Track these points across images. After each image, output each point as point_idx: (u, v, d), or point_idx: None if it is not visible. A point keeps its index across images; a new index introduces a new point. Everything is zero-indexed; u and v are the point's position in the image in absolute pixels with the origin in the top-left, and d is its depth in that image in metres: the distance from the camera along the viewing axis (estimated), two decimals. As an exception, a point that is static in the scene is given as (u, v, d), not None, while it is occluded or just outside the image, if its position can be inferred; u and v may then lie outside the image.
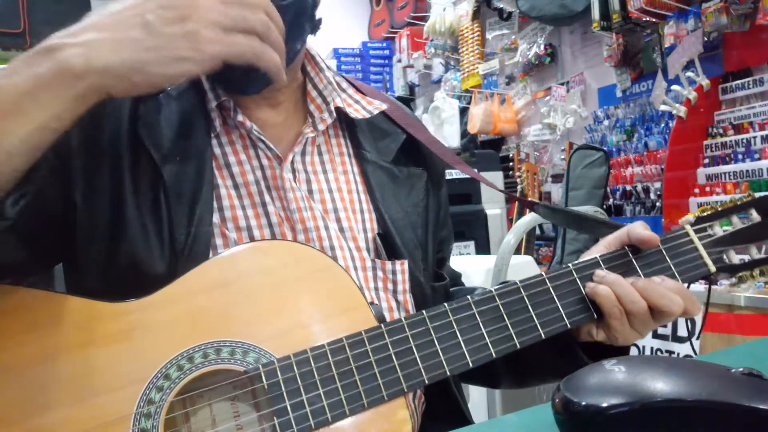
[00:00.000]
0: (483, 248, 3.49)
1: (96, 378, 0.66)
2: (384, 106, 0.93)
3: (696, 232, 0.82)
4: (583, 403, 0.49)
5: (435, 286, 0.95)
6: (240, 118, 0.84)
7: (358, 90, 0.98)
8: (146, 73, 0.65)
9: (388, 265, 0.87)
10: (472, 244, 3.47)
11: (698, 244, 0.82)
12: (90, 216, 0.78)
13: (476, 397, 2.07)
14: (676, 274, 0.79)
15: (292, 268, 0.74)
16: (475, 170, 0.99)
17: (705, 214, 0.84)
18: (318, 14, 0.89)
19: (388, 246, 0.89)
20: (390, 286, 0.88)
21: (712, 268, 0.81)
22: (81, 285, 0.80)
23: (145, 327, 0.69)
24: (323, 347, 0.69)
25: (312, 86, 0.93)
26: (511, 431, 0.63)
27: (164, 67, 0.65)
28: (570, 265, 0.79)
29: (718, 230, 0.83)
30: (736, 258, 0.82)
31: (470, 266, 2.19)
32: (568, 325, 0.76)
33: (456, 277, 1.08)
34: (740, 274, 0.82)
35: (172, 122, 0.82)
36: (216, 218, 0.81)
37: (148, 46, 0.65)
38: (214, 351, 0.68)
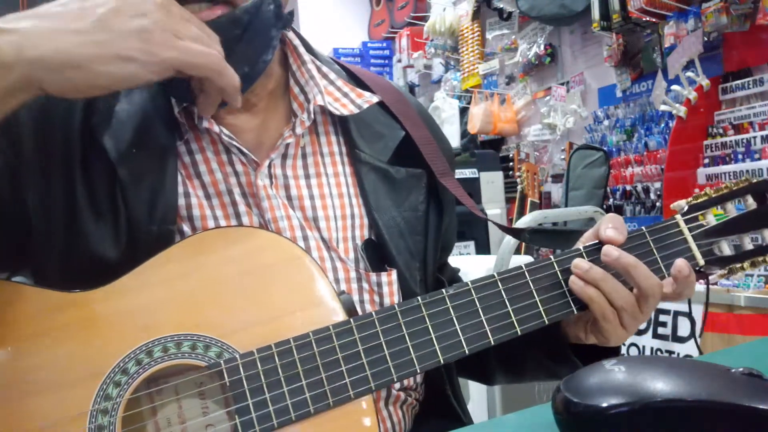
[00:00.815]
0: (483, 248, 3.49)
1: (50, 372, 0.63)
2: (375, 99, 0.85)
3: (687, 221, 0.78)
4: (584, 404, 0.49)
5: None
6: (206, 124, 0.77)
7: (351, 79, 0.90)
8: (85, 70, 0.59)
9: (373, 276, 0.81)
10: (472, 244, 3.47)
11: (688, 235, 0.77)
12: (45, 218, 0.73)
13: (476, 397, 2.07)
14: (662, 267, 0.76)
15: (258, 257, 0.70)
16: (462, 189, 0.92)
17: (699, 200, 0.79)
18: (288, 7, 0.81)
19: (379, 254, 0.83)
20: (376, 298, 0.82)
21: (701, 262, 0.77)
22: (41, 280, 0.76)
23: (102, 318, 0.65)
24: (288, 343, 0.66)
25: (294, 81, 0.85)
26: (511, 431, 0.62)
27: (106, 65, 0.59)
28: (551, 257, 0.75)
29: (711, 219, 0.78)
30: (727, 249, 0.78)
31: (470, 266, 2.19)
32: (546, 321, 0.73)
33: (453, 273, 1.03)
34: (730, 266, 0.78)
35: (132, 115, 0.76)
36: (187, 228, 0.76)
37: (93, 39, 0.59)
38: (174, 345, 0.65)
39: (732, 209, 0.80)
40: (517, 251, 2.65)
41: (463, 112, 4.40)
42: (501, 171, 3.89)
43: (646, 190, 2.98)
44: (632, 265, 0.73)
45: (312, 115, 0.81)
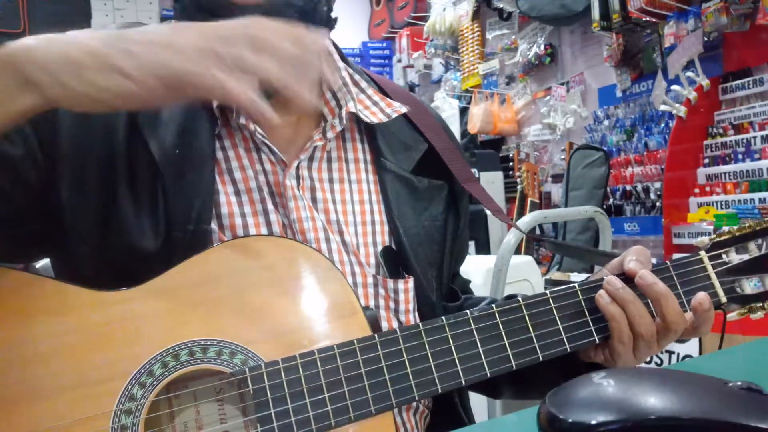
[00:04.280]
0: (483, 248, 3.48)
1: (77, 369, 0.63)
2: (404, 109, 0.87)
3: (711, 258, 0.79)
4: (570, 420, 0.47)
5: (449, 306, 0.90)
6: (242, 120, 0.78)
7: (379, 89, 0.92)
8: (78, 77, 0.58)
9: (390, 283, 0.82)
10: (472, 244, 3.46)
11: (711, 272, 0.78)
12: (78, 210, 0.74)
13: (476, 397, 2.06)
14: (684, 302, 0.76)
15: (288, 267, 0.71)
16: (486, 194, 0.94)
17: (722, 238, 0.80)
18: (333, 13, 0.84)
19: (399, 261, 0.84)
20: (392, 305, 0.83)
21: (723, 299, 0.78)
22: (72, 274, 0.76)
23: (130, 319, 0.66)
24: (313, 354, 0.66)
25: (326, 87, 0.86)
26: (510, 431, 0.62)
27: (95, 75, 0.58)
28: (576, 285, 0.75)
29: (734, 257, 0.79)
30: (748, 288, 0.79)
31: (470, 266, 2.18)
32: (568, 349, 0.73)
33: (465, 284, 1.03)
34: (751, 305, 0.79)
35: (175, 114, 0.77)
36: (214, 225, 0.76)
37: (94, 47, 0.59)
38: (200, 350, 0.66)
39: (754, 249, 0.81)
40: (517, 251, 2.64)
41: (463, 112, 4.40)
42: (501, 171, 3.89)
43: (646, 190, 2.97)
44: (664, 295, 0.73)
45: (344, 121, 0.83)
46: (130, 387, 0.64)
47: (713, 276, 0.78)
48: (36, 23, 4.35)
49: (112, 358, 0.64)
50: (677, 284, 0.77)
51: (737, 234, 0.80)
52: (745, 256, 0.80)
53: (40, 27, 4.41)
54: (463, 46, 4.51)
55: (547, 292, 0.74)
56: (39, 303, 0.66)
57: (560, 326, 0.73)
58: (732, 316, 0.80)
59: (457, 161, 0.91)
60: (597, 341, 0.74)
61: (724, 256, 0.79)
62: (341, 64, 0.88)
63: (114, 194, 0.74)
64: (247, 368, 0.65)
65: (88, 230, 0.74)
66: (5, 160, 0.70)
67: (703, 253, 0.79)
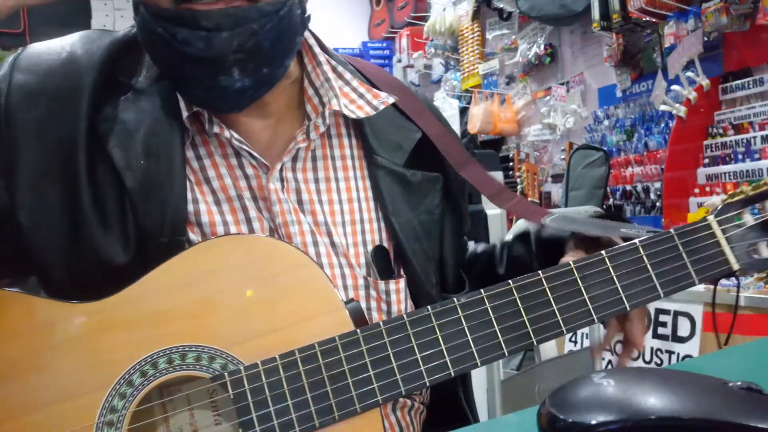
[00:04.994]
0: (483, 248, 3.48)
1: (56, 384, 0.63)
2: (391, 100, 0.82)
3: (721, 222, 0.72)
4: (570, 420, 0.46)
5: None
6: (216, 129, 0.75)
7: (366, 80, 0.87)
8: None
9: (381, 284, 0.79)
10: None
11: (721, 237, 0.72)
12: (42, 231, 0.72)
13: (476, 398, 2.05)
14: (692, 272, 0.71)
15: (264, 265, 0.68)
16: (485, 175, 0.90)
17: (734, 199, 0.72)
18: (308, 10, 0.80)
19: (396, 258, 0.82)
20: (384, 306, 0.80)
21: (735, 266, 0.71)
22: (50, 286, 0.75)
23: (107, 329, 0.65)
24: (294, 354, 0.64)
25: (309, 83, 0.83)
26: (511, 431, 0.62)
27: None
28: (571, 262, 0.70)
29: (749, 218, 0.72)
30: (765, 251, 0.72)
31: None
32: (565, 331, 0.69)
33: (469, 248, 1.01)
34: None
35: (140, 123, 0.74)
36: (195, 236, 0.74)
37: None
38: (179, 356, 0.64)
39: None
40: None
41: (463, 112, 4.40)
42: (501, 171, 3.88)
43: (646, 190, 2.97)
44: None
45: (327, 121, 0.79)
46: (110, 398, 0.63)
47: (723, 242, 0.72)
48: (36, 23, 4.36)
49: (91, 370, 0.63)
50: (683, 254, 0.71)
51: (751, 193, 0.73)
52: (763, 217, 0.72)
53: (40, 27, 4.42)
54: (463, 46, 4.51)
55: (540, 272, 0.70)
56: (14, 319, 0.65)
57: (555, 308, 0.69)
58: (749, 281, 0.76)
59: (450, 147, 0.88)
60: (596, 321, 0.70)
61: (736, 218, 0.72)
62: (322, 57, 0.84)
63: (79, 211, 0.72)
64: (227, 372, 0.64)
65: (56, 249, 0.73)
66: None
67: (711, 218, 0.73)
